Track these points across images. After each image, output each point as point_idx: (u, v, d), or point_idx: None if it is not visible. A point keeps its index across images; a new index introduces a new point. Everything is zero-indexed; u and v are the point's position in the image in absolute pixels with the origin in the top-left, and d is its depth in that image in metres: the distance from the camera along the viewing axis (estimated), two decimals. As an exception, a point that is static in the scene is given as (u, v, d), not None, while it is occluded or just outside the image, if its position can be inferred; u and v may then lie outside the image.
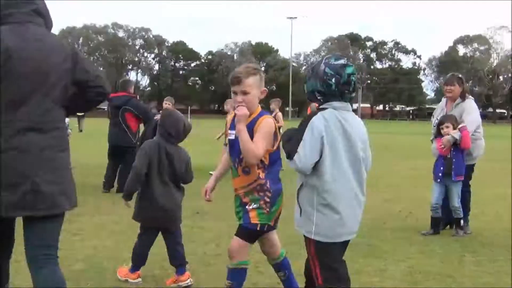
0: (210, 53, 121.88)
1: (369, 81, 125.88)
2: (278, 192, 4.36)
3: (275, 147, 4.32)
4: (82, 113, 37.05)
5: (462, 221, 7.72)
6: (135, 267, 5.44)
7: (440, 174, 7.62)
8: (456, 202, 7.62)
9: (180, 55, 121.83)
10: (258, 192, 4.29)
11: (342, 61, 3.88)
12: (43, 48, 3.57)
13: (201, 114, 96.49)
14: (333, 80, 3.82)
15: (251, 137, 4.19)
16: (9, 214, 3.53)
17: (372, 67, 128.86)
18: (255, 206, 4.29)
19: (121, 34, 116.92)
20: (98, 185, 11.06)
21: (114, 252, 6.36)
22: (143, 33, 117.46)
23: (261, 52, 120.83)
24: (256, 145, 4.14)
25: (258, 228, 4.31)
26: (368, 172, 4.06)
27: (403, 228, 8.02)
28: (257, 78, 4.32)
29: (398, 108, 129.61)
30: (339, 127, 3.81)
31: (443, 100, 8.32)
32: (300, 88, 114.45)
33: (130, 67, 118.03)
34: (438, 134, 7.62)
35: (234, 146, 4.36)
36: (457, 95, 7.90)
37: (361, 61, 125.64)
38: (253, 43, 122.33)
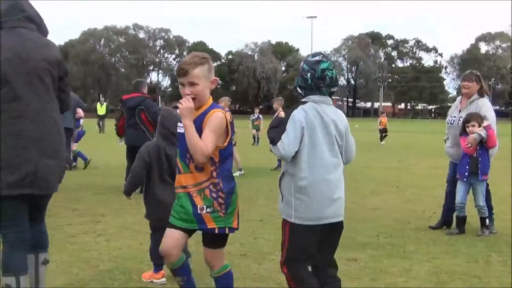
0: (230, 53, 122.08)
1: (390, 80, 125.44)
2: (231, 191, 4.05)
3: (225, 143, 4.00)
4: (103, 114, 37.23)
5: (487, 220, 7.65)
6: (157, 267, 5.47)
7: (466, 174, 7.55)
8: (481, 201, 7.55)
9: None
10: (211, 193, 3.96)
11: (317, 58, 4.20)
12: (34, 47, 4.10)
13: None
14: (309, 75, 4.15)
15: (201, 131, 3.88)
16: (9, 193, 3.95)
17: (393, 65, 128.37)
18: (209, 210, 3.96)
19: (141, 35, 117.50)
20: (120, 185, 11.08)
21: (138, 252, 6.39)
22: (163, 33, 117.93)
23: (281, 52, 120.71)
24: (205, 142, 3.82)
25: (216, 232, 4.00)
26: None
27: (427, 228, 7.95)
28: (205, 68, 4.00)
29: (419, 106, 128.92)
30: (318, 119, 4.10)
31: (458, 98, 8.26)
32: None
33: (151, 68, 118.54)
34: (464, 132, 7.54)
35: (183, 140, 3.98)
36: (474, 92, 7.83)
37: (382, 60, 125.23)
38: (273, 42, 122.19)
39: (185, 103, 3.87)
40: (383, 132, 30.09)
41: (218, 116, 3.94)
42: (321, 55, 4.24)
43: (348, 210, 8.96)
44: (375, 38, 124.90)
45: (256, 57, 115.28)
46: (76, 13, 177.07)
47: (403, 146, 27.40)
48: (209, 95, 4.10)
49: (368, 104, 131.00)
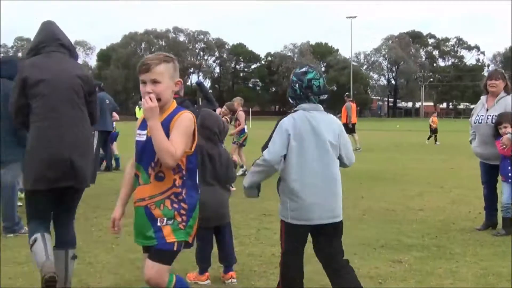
0: (269, 54, 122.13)
1: (431, 79, 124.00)
2: (195, 204, 3.69)
3: (192, 149, 3.67)
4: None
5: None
6: (202, 270, 5.50)
7: (510, 174, 7.43)
8: (525, 200, 7.43)
9: (240, 57, 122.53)
10: (172, 203, 3.59)
11: (304, 69, 4.49)
12: (69, 67, 4.98)
13: (262, 115, 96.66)
14: (297, 85, 4.44)
15: (168, 136, 3.53)
16: (53, 186, 4.70)
17: (434, 64, 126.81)
18: (169, 222, 3.58)
19: (181, 38, 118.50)
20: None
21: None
22: (202, 36, 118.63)
23: (321, 52, 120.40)
24: (174, 144, 3.48)
25: (175, 248, 3.63)
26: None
27: (473, 229, 7.83)
28: (170, 66, 3.67)
29: (462, 106, 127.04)
30: (307, 124, 4.32)
31: (483, 97, 8.10)
32: (361, 88, 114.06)
33: (191, 71, 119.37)
34: (497, 135, 7.42)
35: (145, 149, 3.64)
36: (501, 90, 7.73)
37: (423, 59, 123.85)
38: (312, 43, 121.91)
39: (148, 103, 3.48)
40: (435, 132, 29.78)
41: (187, 118, 3.62)
42: (308, 67, 4.54)
43: (393, 212, 9.00)
44: (416, 37, 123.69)
45: (295, 58, 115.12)
46: (117, 18, 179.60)
47: (446, 146, 27.04)
48: (172, 97, 3.73)
49: (409, 104, 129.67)
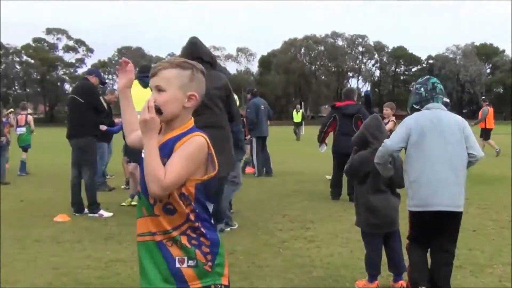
0: (430, 57, 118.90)
1: None
2: (217, 240, 2.85)
3: (205, 177, 2.82)
4: (299, 121, 38.03)
5: None
6: (371, 277, 5.43)
7: None
8: None
9: (401, 60, 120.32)
10: (190, 239, 2.78)
11: (426, 77, 5.18)
12: (210, 79, 5.81)
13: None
14: (422, 89, 5.03)
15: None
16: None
17: None
18: (192, 263, 2.76)
19: (340, 42, 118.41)
20: (327, 192, 11.23)
21: (349, 260, 6.39)
22: (360, 39, 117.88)
23: (486, 54, 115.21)
24: (167, 169, 2.69)
25: None
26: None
27: None
28: (184, 74, 2.86)
29: None
30: (429, 121, 4.82)
31: None
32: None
33: (351, 75, 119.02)
34: None
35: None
36: None
37: None
38: (477, 44, 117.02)
39: (143, 114, 2.72)
40: None
41: (196, 141, 2.80)
42: (428, 76, 5.19)
43: None
44: None
45: (458, 60, 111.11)
46: (277, 25, 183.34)
47: None
48: (188, 114, 2.91)
49: None
